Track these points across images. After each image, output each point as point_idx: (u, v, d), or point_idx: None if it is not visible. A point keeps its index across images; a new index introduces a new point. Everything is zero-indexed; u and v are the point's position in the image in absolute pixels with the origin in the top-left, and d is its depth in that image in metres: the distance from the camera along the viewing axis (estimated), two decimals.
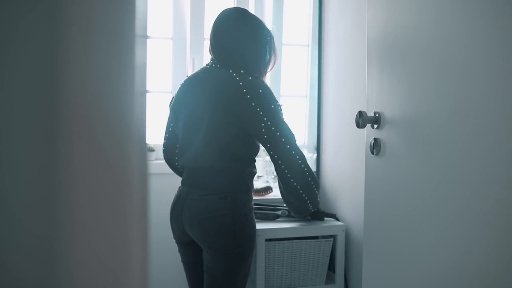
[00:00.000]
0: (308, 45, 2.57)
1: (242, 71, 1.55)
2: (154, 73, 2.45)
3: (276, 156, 1.55)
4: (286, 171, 1.56)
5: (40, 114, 0.33)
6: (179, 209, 1.59)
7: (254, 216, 1.60)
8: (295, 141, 1.57)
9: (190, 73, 2.41)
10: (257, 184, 2.42)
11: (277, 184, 2.51)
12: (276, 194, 2.39)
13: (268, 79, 2.78)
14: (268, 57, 1.66)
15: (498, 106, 1.05)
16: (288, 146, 1.52)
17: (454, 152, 1.18)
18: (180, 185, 1.66)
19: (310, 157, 2.48)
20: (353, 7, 2.10)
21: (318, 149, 2.41)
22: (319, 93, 2.40)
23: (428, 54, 1.28)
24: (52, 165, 0.33)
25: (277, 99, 1.57)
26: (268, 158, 2.61)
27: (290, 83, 2.71)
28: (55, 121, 0.33)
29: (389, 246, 1.47)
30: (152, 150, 2.35)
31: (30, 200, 0.33)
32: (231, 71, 1.54)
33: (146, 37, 0.42)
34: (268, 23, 2.68)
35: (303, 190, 1.61)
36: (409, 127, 1.36)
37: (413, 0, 1.36)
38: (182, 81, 1.72)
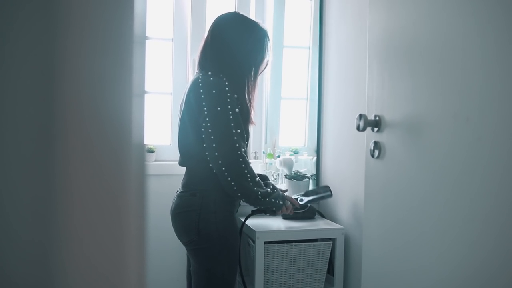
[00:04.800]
0: (309, 47, 2.57)
1: (210, 72, 1.58)
2: (154, 74, 2.45)
3: (208, 158, 1.55)
4: (215, 171, 1.55)
5: (35, 116, 0.32)
6: (172, 206, 1.70)
7: (229, 214, 1.62)
8: (233, 149, 1.51)
9: (191, 74, 2.42)
10: None
11: (277, 186, 2.51)
12: None
13: (268, 81, 2.78)
14: (259, 57, 1.68)
15: (499, 110, 1.05)
16: (217, 153, 1.50)
17: (454, 155, 1.18)
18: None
19: (310, 160, 2.47)
20: (354, 10, 2.09)
21: (318, 151, 2.41)
22: (320, 96, 2.40)
23: (429, 57, 1.28)
24: (48, 167, 0.33)
25: (232, 101, 1.53)
26: (268, 160, 2.61)
27: (290, 85, 2.70)
28: (51, 123, 0.32)
29: (388, 250, 1.46)
30: (152, 151, 2.35)
31: (24, 203, 0.33)
32: (201, 74, 1.60)
33: (145, 37, 0.42)
34: (269, 25, 2.69)
35: (232, 191, 1.55)
36: (410, 131, 1.36)
37: (414, 4, 1.35)
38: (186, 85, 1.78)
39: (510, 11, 1.03)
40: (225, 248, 1.59)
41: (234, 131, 1.52)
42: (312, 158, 2.45)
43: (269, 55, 1.71)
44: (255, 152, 2.98)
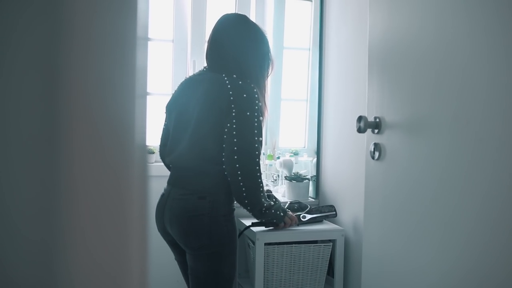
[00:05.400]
0: (309, 49, 2.57)
1: (234, 75, 1.57)
2: (155, 75, 2.46)
3: (223, 159, 1.54)
4: (227, 174, 1.55)
5: (40, 116, 0.33)
6: (161, 209, 1.63)
7: (233, 216, 1.62)
8: (252, 157, 1.53)
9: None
10: None
11: (277, 187, 2.52)
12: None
13: (268, 83, 2.78)
14: (268, 62, 1.70)
15: (499, 113, 1.05)
16: (236, 157, 1.50)
17: (454, 158, 1.18)
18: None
19: (310, 161, 2.48)
20: (354, 11, 2.10)
21: (318, 153, 2.41)
22: (320, 97, 2.40)
23: (429, 60, 1.28)
24: (52, 167, 0.33)
25: (259, 109, 1.55)
26: (268, 161, 2.61)
27: (290, 87, 2.71)
28: (55, 123, 0.33)
29: (388, 251, 1.46)
30: (152, 152, 2.35)
31: (29, 203, 0.33)
32: (223, 75, 1.57)
33: (147, 39, 0.42)
34: (269, 26, 2.69)
35: (241, 197, 1.57)
36: (410, 133, 1.36)
37: (414, 6, 1.36)
38: (180, 82, 1.76)
39: (508, 13, 1.03)
40: (232, 249, 1.60)
41: (256, 138, 1.53)
42: (312, 160, 2.45)
43: (273, 60, 1.74)
44: None
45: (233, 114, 1.51)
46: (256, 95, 1.55)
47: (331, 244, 2.06)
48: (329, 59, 2.33)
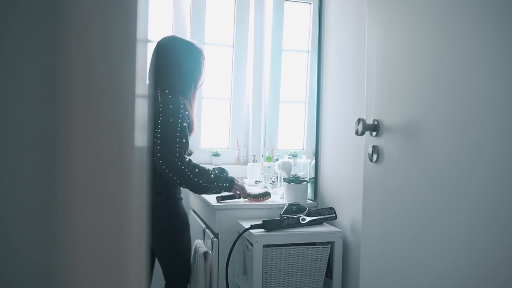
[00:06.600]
0: (308, 51, 2.57)
1: (167, 90, 1.96)
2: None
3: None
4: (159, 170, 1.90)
5: (40, 116, 0.33)
6: None
7: (183, 204, 2.05)
8: (172, 154, 1.86)
9: None
10: (255, 189, 2.42)
11: (275, 189, 2.52)
12: (274, 199, 2.39)
13: (267, 85, 2.79)
14: (197, 75, 2.07)
15: (497, 115, 1.05)
16: (159, 154, 1.86)
17: (452, 160, 1.18)
18: None
19: (308, 163, 2.48)
20: (353, 14, 2.10)
21: (316, 155, 2.41)
22: (318, 99, 2.40)
23: (427, 62, 1.29)
24: (52, 168, 0.33)
25: (183, 117, 1.91)
26: (266, 163, 2.61)
27: (289, 89, 2.71)
28: (55, 124, 0.33)
29: (387, 253, 1.46)
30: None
31: (28, 202, 0.33)
32: (158, 90, 1.96)
33: (147, 41, 0.42)
34: (268, 28, 2.69)
35: (177, 184, 1.93)
36: (408, 135, 1.36)
37: (413, 9, 1.36)
38: None
39: (507, 16, 1.03)
40: (187, 229, 2.06)
41: (178, 140, 1.88)
42: (311, 162, 2.46)
43: (205, 72, 2.10)
44: (253, 155, 2.99)
45: (159, 121, 1.88)
46: (182, 106, 1.92)
47: (329, 246, 2.06)
48: (327, 62, 2.33)
